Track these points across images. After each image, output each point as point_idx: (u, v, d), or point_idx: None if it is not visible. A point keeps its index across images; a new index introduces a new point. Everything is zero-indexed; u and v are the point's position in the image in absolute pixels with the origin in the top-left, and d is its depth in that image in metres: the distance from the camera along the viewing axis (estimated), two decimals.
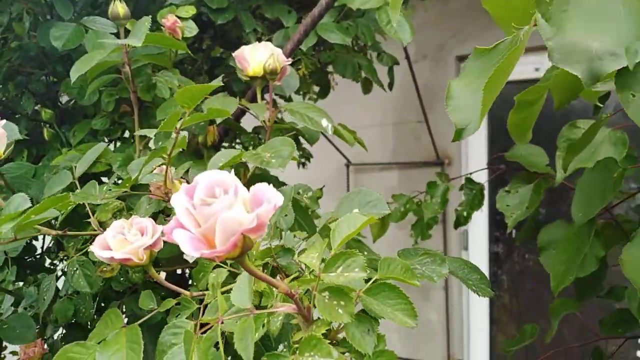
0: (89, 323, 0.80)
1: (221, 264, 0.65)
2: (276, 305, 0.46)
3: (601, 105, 0.81)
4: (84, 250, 0.72)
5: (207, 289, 0.64)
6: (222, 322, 0.45)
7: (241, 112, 0.98)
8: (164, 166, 0.73)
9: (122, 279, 0.77)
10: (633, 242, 0.55)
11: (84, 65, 0.78)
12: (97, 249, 0.54)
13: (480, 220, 2.14)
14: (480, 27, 2.00)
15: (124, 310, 0.79)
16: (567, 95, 0.60)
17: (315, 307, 0.47)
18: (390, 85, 1.45)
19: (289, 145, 0.71)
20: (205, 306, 0.59)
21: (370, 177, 2.39)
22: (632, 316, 0.95)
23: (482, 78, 0.43)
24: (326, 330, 0.45)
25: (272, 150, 0.72)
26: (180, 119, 0.62)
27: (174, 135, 0.65)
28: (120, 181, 0.77)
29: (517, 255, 2.20)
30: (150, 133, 0.62)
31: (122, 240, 0.55)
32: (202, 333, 0.55)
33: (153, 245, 0.56)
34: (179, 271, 0.96)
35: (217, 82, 0.61)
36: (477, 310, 2.20)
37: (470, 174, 1.23)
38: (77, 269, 0.71)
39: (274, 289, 0.49)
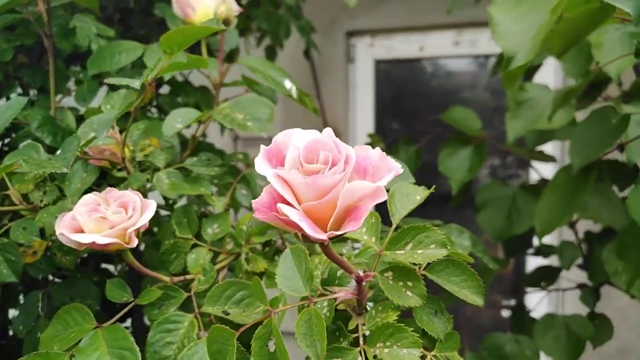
0: None
1: (200, 243, 0.55)
2: (333, 290, 0.38)
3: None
4: (3, 229, 0.56)
5: (184, 273, 0.54)
6: (275, 314, 0.36)
7: None
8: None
9: (41, 264, 0.62)
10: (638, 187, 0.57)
11: None
12: (67, 232, 0.41)
13: None
14: (373, 2, 2.02)
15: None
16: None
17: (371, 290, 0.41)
18: (307, 54, 1.39)
19: (266, 106, 0.62)
20: (196, 295, 0.49)
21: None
22: (554, 272, 1.03)
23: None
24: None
25: (244, 110, 0.62)
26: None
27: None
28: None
29: None
30: (120, 81, 0.49)
31: (100, 220, 0.42)
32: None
33: (142, 226, 0.44)
34: None
35: (216, 25, 0.50)
36: None
37: (402, 136, 1.20)
38: None
39: None
